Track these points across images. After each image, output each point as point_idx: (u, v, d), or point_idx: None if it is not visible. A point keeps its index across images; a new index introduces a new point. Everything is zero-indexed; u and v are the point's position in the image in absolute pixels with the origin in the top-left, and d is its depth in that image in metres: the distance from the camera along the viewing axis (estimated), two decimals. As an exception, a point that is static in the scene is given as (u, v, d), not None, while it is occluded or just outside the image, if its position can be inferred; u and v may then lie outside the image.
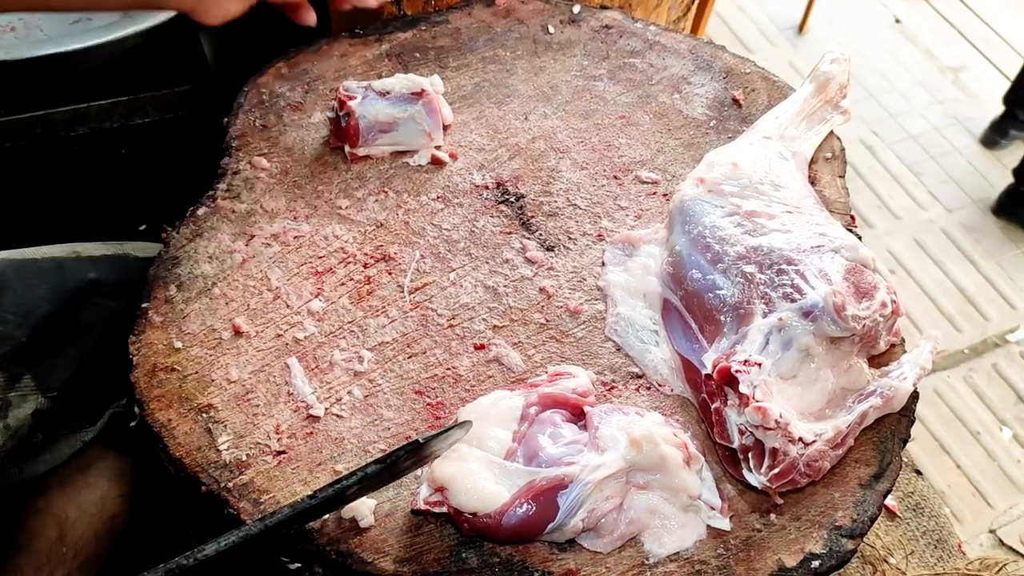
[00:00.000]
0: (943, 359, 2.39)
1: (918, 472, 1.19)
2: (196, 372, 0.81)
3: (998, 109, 2.87)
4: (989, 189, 2.76)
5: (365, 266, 0.91)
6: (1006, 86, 2.87)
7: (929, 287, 2.52)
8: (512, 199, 0.98)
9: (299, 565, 0.74)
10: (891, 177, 2.78)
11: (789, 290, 0.82)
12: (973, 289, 2.53)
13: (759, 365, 0.78)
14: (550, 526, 0.72)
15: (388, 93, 0.98)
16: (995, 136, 2.87)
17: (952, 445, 2.22)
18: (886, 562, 1.07)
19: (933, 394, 2.31)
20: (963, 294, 2.52)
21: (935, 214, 2.71)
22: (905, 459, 1.20)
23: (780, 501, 0.77)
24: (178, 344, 0.83)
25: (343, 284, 0.89)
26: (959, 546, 1.13)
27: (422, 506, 0.73)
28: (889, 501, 1.14)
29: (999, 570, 1.05)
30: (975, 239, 2.66)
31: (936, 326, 2.43)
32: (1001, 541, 2.06)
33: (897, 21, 3.26)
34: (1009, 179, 2.70)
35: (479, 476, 0.72)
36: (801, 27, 3.13)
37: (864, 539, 1.10)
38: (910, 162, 2.83)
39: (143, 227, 1.32)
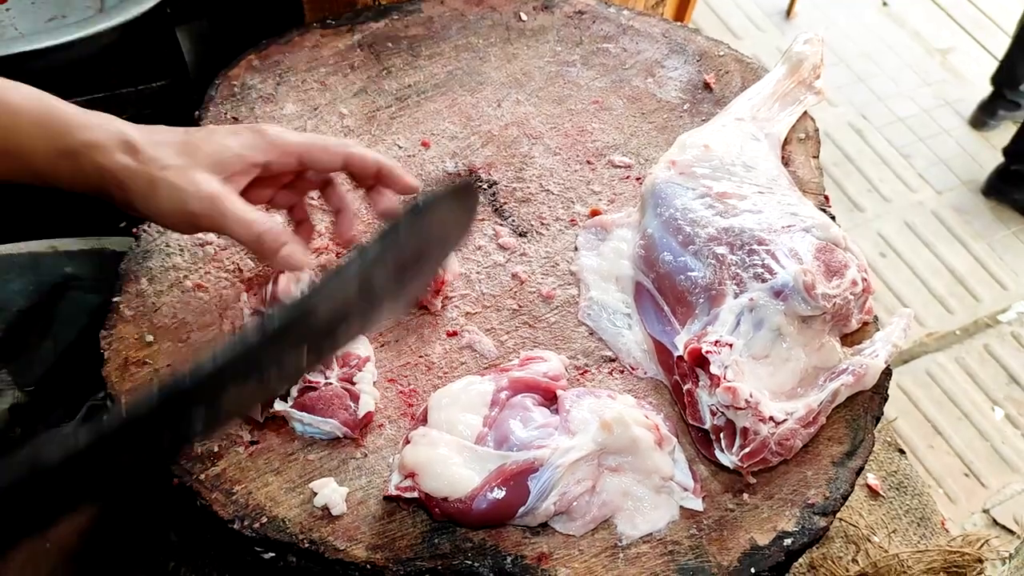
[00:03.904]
0: (935, 341, 2.39)
1: (901, 451, 1.19)
2: (168, 365, 0.81)
3: (986, 90, 2.87)
4: (978, 170, 2.76)
5: (338, 256, 0.91)
6: (994, 66, 2.87)
7: (920, 269, 2.52)
8: (485, 186, 0.98)
9: (273, 554, 0.74)
10: (881, 160, 2.78)
11: (760, 270, 0.82)
12: (964, 270, 2.54)
13: (730, 346, 0.78)
14: (521, 510, 0.72)
15: None
16: (984, 117, 2.87)
17: (945, 426, 2.22)
18: (869, 541, 1.08)
19: (925, 376, 2.32)
20: (954, 276, 2.53)
21: (925, 196, 2.71)
22: (888, 438, 1.20)
23: (752, 481, 0.78)
24: (149, 337, 0.83)
25: (316, 274, 0.89)
26: (942, 523, 1.13)
27: (393, 492, 0.73)
28: (872, 480, 1.15)
29: (981, 546, 1.05)
30: (965, 220, 2.66)
31: (927, 308, 2.44)
32: (995, 520, 2.07)
33: (884, 4, 3.26)
34: (998, 160, 2.71)
35: (449, 461, 0.72)
36: (788, 12, 3.13)
37: (847, 519, 1.11)
38: (899, 145, 2.83)
39: (123, 224, 1.32)
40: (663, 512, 0.76)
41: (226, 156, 0.72)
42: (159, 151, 0.70)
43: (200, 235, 0.91)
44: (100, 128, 0.71)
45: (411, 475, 0.72)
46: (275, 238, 0.72)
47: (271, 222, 0.72)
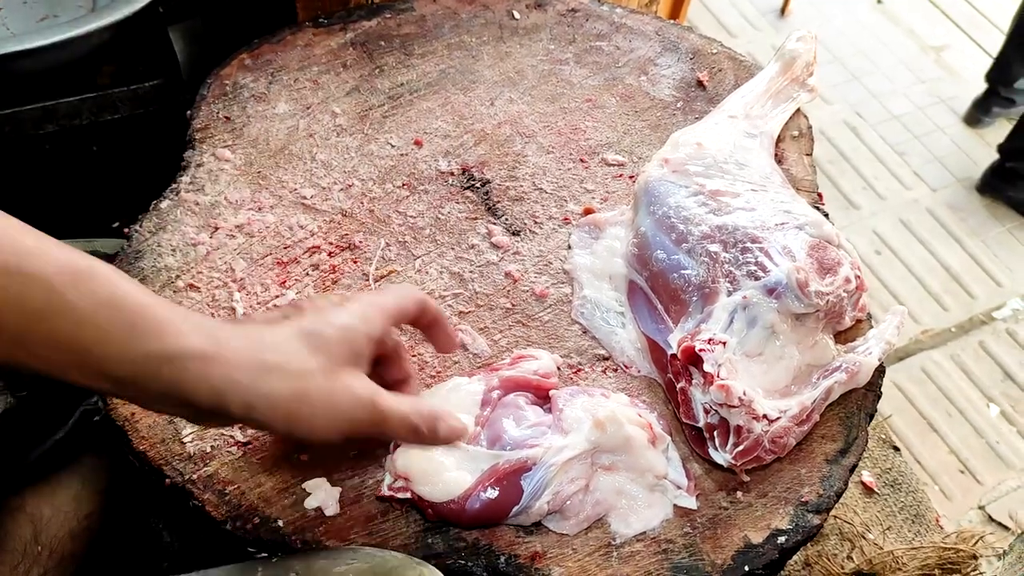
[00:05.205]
0: (930, 338, 2.39)
1: (896, 448, 1.19)
2: (160, 365, 0.81)
3: (981, 87, 2.87)
4: (973, 167, 2.76)
5: (330, 255, 0.91)
6: (988, 63, 2.87)
7: (915, 267, 2.52)
8: (478, 185, 0.98)
9: (266, 555, 0.74)
10: (876, 158, 2.78)
11: (753, 268, 0.81)
12: (959, 267, 2.54)
13: (723, 344, 0.78)
14: (515, 509, 0.71)
15: None
16: (978, 114, 2.87)
17: (940, 423, 2.22)
18: (863, 538, 1.08)
19: (921, 373, 2.32)
20: (949, 273, 2.53)
21: (920, 194, 2.71)
22: (883, 436, 1.20)
23: (746, 479, 0.78)
24: (141, 338, 0.82)
25: (308, 274, 0.89)
26: (937, 520, 1.14)
27: (386, 493, 0.73)
28: (867, 478, 1.15)
29: (976, 542, 1.06)
30: (960, 218, 2.66)
31: (923, 305, 2.44)
32: (990, 517, 2.07)
33: (879, 1, 3.26)
34: (992, 157, 2.71)
35: (440, 464, 0.72)
36: (783, 10, 3.13)
37: (842, 516, 1.11)
38: (894, 142, 2.83)
39: (116, 224, 1.32)
40: (657, 511, 0.76)
41: (359, 344, 0.63)
42: (294, 358, 0.59)
43: (192, 234, 0.90)
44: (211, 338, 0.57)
45: (403, 477, 0.71)
46: (431, 426, 0.67)
47: (419, 411, 0.66)
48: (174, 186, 0.95)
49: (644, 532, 0.74)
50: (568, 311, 0.88)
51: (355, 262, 0.90)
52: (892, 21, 3.22)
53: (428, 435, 0.67)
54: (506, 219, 0.95)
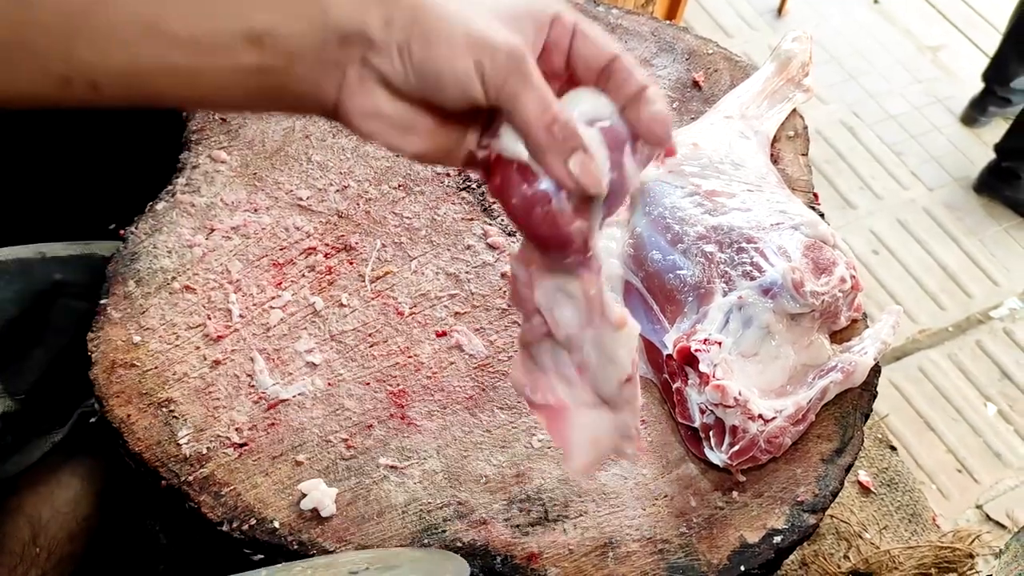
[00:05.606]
0: (927, 337, 2.39)
1: (892, 448, 1.19)
2: (155, 367, 0.81)
3: (977, 87, 2.87)
4: (970, 167, 2.77)
5: (326, 256, 0.91)
6: (985, 63, 2.87)
7: (912, 266, 2.52)
8: (473, 185, 0.98)
9: (262, 556, 0.74)
10: (873, 158, 2.78)
11: (749, 268, 0.82)
12: (956, 267, 2.54)
13: (719, 344, 0.78)
14: None
15: None
16: (975, 114, 2.87)
17: (938, 422, 2.23)
18: (860, 537, 1.08)
19: (918, 372, 2.32)
20: (946, 272, 2.53)
21: (917, 193, 2.71)
22: (879, 435, 1.20)
23: (742, 479, 0.78)
24: (137, 339, 0.82)
25: (304, 275, 0.89)
26: (934, 519, 1.14)
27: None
28: (863, 477, 1.15)
29: (972, 541, 1.06)
30: (957, 217, 2.66)
31: (920, 305, 2.44)
32: (988, 516, 2.07)
33: (876, 1, 3.26)
34: (989, 156, 2.71)
35: None
36: (780, 10, 3.13)
37: (839, 516, 1.11)
38: (891, 142, 2.83)
39: (112, 226, 1.32)
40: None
41: (519, 10, 0.47)
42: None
43: (188, 236, 0.90)
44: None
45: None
46: (569, 134, 0.46)
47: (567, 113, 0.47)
48: (170, 188, 0.95)
49: (639, 532, 0.74)
50: (564, 312, 0.88)
51: (351, 263, 0.91)
52: (889, 21, 3.22)
53: (556, 145, 0.46)
54: (502, 220, 0.95)
